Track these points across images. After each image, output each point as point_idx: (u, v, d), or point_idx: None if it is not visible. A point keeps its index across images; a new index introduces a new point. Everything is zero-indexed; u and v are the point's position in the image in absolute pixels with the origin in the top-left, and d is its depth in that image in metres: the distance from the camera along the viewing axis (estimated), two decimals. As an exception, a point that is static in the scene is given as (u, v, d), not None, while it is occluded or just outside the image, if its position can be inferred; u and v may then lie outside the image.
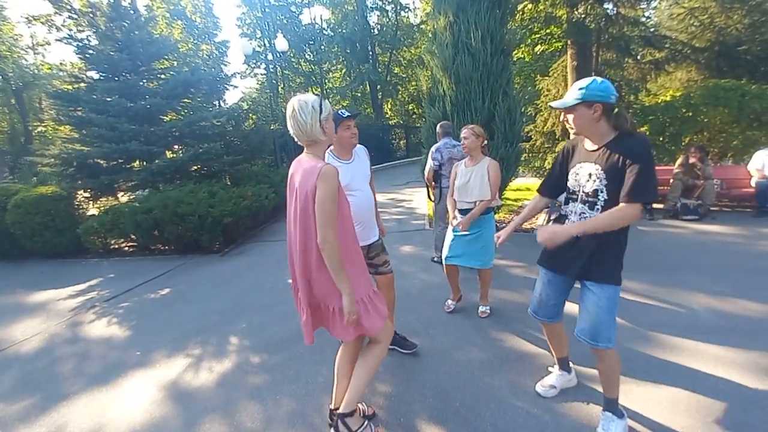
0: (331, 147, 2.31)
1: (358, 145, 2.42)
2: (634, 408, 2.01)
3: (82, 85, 7.59)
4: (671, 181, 5.88)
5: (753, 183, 5.68)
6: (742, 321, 2.81)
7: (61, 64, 14.67)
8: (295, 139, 1.68)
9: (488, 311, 3.21)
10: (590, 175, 1.74)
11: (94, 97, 7.01)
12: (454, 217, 3.07)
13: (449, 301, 3.37)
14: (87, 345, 3.30)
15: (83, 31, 8.36)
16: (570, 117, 1.74)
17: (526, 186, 8.86)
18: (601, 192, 1.70)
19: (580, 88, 1.69)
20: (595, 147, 1.75)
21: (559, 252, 1.82)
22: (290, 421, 2.13)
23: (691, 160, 5.80)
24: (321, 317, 1.82)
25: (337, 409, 1.85)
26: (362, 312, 1.70)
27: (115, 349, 3.17)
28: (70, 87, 7.56)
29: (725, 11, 8.55)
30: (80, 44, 7.27)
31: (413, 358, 2.65)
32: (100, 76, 7.47)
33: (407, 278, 4.09)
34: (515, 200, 7.75)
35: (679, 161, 5.97)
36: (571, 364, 2.24)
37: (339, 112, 2.20)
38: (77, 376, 2.81)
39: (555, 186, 1.99)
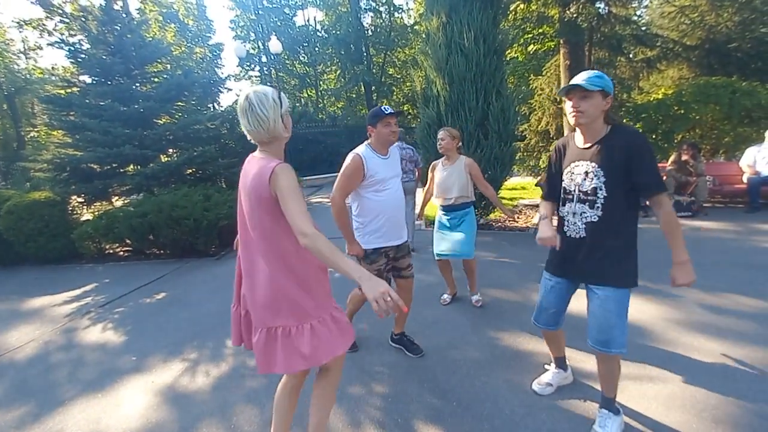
0: (370, 141, 2.35)
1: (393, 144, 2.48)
2: (630, 404, 2.02)
3: (75, 89, 7.54)
4: (664, 178, 5.93)
5: (745, 179, 5.74)
6: (735, 316, 2.84)
7: (53, 68, 14.58)
8: (249, 137, 1.51)
9: (481, 299, 3.36)
10: (587, 173, 1.70)
11: (87, 101, 6.97)
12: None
13: (445, 295, 3.51)
14: (82, 351, 3.28)
15: (75, 35, 8.31)
16: (583, 103, 1.64)
17: (521, 185, 8.90)
18: (600, 189, 1.67)
19: (598, 77, 1.62)
20: (588, 144, 1.72)
21: (570, 254, 1.80)
22: (287, 424, 2.12)
23: (684, 157, 5.85)
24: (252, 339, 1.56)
25: None
26: (325, 333, 1.50)
27: (111, 355, 3.15)
28: (62, 91, 7.51)
29: (715, 9, 8.63)
30: (72, 48, 7.22)
31: (410, 358, 2.65)
32: (93, 80, 7.42)
33: (404, 279, 4.11)
34: (510, 199, 7.78)
35: (671, 158, 6.03)
36: (567, 362, 2.25)
37: (382, 108, 2.28)
38: (72, 382, 2.79)
39: (557, 188, 1.88)
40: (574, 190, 1.76)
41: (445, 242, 3.20)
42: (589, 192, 1.70)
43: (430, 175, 3.37)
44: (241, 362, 2.81)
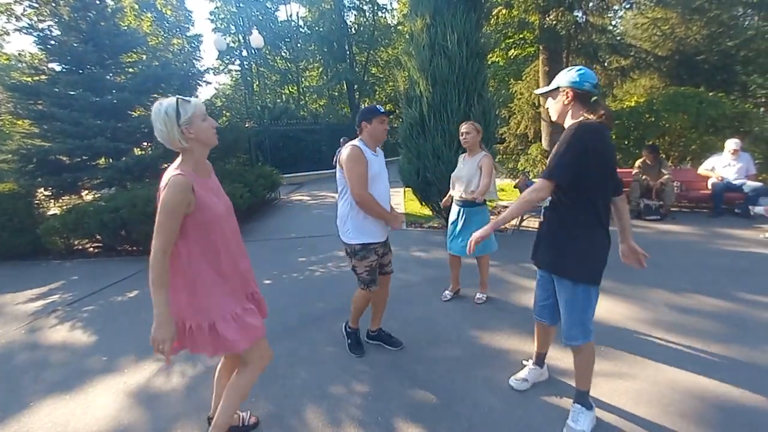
0: (362, 137, 2.37)
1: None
2: (601, 399, 2.10)
3: (43, 77, 7.17)
4: (631, 182, 6.18)
5: (709, 185, 6.04)
6: (699, 315, 2.99)
7: (19, 54, 13.81)
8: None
9: (484, 298, 3.40)
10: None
11: (57, 90, 6.65)
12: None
13: (447, 292, 3.53)
14: (48, 351, 3.14)
15: (45, 20, 7.90)
16: (547, 102, 1.83)
17: (500, 187, 9.05)
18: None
19: (560, 76, 1.77)
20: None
21: (538, 243, 1.93)
22: (266, 424, 2.10)
23: (642, 159, 6.17)
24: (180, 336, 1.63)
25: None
26: (227, 328, 1.57)
27: (79, 355, 3.02)
28: (29, 79, 7.12)
29: (685, 22, 9.04)
30: (41, 34, 6.89)
31: (390, 357, 2.67)
32: (63, 68, 7.09)
33: (384, 278, 4.12)
34: (490, 200, 7.90)
35: (636, 164, 6.30)
36: (545, 360, 2.31)
37: (377, 106, 2.38)
38: (38, 383, 2.67)
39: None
40: None
41: (454, 240, 3.25)
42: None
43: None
44: (218, 361, 2.75)
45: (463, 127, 3.16)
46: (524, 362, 2.39)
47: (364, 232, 2.38)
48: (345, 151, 2.30)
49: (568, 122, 1.76)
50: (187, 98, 1.51)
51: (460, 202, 3.23)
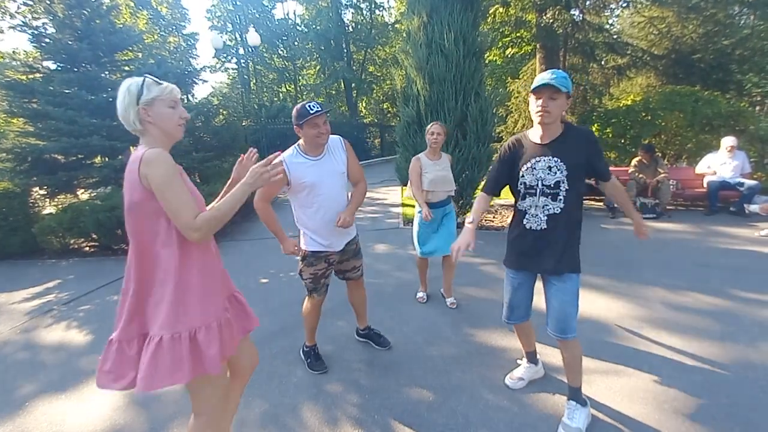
0: (300, 142, 2.17)
1: (334, 137, 2.23)
2: (596, 396, 2.11)
3: (38, 75, 7.12)
4: (627, 181, 6.21)
5: (705, 183, 6.07)
6: (694, 313, 3.01)
7: (14, 52, 13.71)
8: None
9: (456, 302, 3.36)
10: (550, 168, 1.78)
11: (51, 88, 6.60)
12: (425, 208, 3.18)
13: (421, 294, 3.49)
14: (44, 351, 3.12)
15: (39, 18, 7.84)
16: (551, 103, 1.68)
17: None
18: (563, 183, 1.78)
19: (566, 77, 1.70)
20: (548, 140, 1.80)
21: (532, 249, 1.88)
22: (262, 423, 2.10)
23: (638, 158, 6.19)
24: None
25: None
26: (206, 341, 1.34)
27: (75, 355, 3.01)
28: (23, 77, 7.07)
29: (681, 21, 9.07)
30: (35, 32, 6.83)
31: (387, 355, 2.67)
32: (58, 66, 7.03)
33: (381, 276, 4.12)
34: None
35: (633, 162, 6.32)
36: (538, 356, 2.32)
37: (307, 105, 2.02)
38: (34, 383, 2.66)
39: (501, 184, 1.99)
40: (537, 185, 1.83)
41: (433, 241, 3.18)
42: (552, 185, 1.80)
43: (417, 171, 3.13)
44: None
45: (436, 128, 3.07)
46: (518, 361, 2.40)
47: (313, 239, 2.26)
48: None
49: (556, 124, 1.78)
50: (160, 81, 1.37)
51: (437, 203, 3.14)
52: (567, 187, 1.77)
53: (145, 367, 1.29)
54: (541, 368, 2.33)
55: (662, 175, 5.92)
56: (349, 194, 2.35)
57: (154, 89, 1.35)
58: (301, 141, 2.17)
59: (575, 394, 1.94)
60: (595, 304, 3.22)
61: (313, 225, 2.25)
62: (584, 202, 6.30)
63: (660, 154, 6.81)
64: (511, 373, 2.31)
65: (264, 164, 1.31)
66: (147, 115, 1.34)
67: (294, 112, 2.08)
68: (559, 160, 1.77)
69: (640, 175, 6.11)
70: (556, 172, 1.78)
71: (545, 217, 1.82)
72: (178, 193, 1.27)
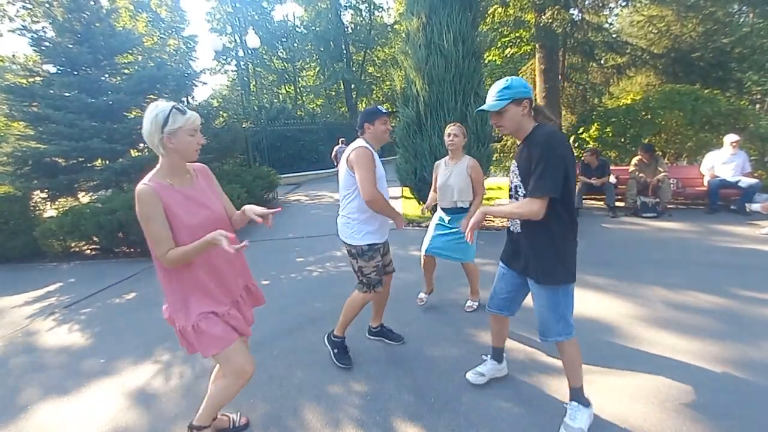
0: (365, 137, 2.37)
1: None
2: (599, 396, 2.10)
3: (38, 79, 7.14)
4: (628, 180, 6.21)
5: (705, 182, 6.07)
6: (695, 312, 3.01)
7: (13, 56, 13.74)
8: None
9: (474, 306, 3.29)
10: (514, 172, 1.83)
11: (51, 92, 6.62)
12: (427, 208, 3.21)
13: (422, 294, 3.44)
14: (46, 354, 3.13)
15: (38, 21, 7.86)
16: (500, 119, 1.73)
17: (497, 185, 9.07)
18: (520, 188, 1.78)
19: (506, 88, 1.69)
20: (519, 144, 1.83)
21: (511, 247, 1.97)
22: (264, 425, 2.10)
23: (639, 157, 6.19)
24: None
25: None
26: (194, 335, 1.60)
27: (77, 357, 3.01)
28: (24, 81, 7.09)
29: (681, 20, 9.06)
30: (35, 36, 6.84)
31: (389, 356, 2.67)
32: (58, 69, 7.06)
33: (382, 277, 4.12)
34: (488, 199, 7.92)
35: (633, 161, 6.32)
36: (504, 355, 2.33)
37: (378, 107, 2.38)
38: (36, 386, 2.66)
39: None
40: (511, 187, 1.90)
41: (440, 240, 3.08)
42: (513, 190, 1.86)
43: (434, 174, 3.13)
44: (216, 363, 2.75)
45: (452, 129, 2.95)
46: (483, 357, 2.40)
47: (370, 232, 2.38)
48: (356, 152, 2.25)
49: (523, 129, 1.75)
50: (184, 110, 1.51)
51: (451, 210, 3.04)
52: (524, 192, 1.75)
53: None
54: (505, 368, 2.34)
55: (662, 174, 5.92)
56: None
57: (179, 120, 1.50)
58: (367, 136, 2.38)
59: (576, 395, 1.94)
60: (596, 303, 3.22)
61: (373, 218, 2.38)
62: (584, 201, 6.41)
63: (660, 153, 6.81)
64: (474, 368, 2.32)
65: (227, 243, 1.42)
66: (170, 143, 1.51)
67: (365, 111, 2.40)
68: (516, 165, 1.81)
69: (641, 174, 6.10)
70: (514, 177, 1.82)
71: (518, 221, 1.86)
72: (152, 230, 1.49)
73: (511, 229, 1.95)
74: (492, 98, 1.72)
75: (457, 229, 3.02)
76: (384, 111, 2.36)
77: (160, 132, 1.48)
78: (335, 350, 2.62)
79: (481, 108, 1.77)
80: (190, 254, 1.50)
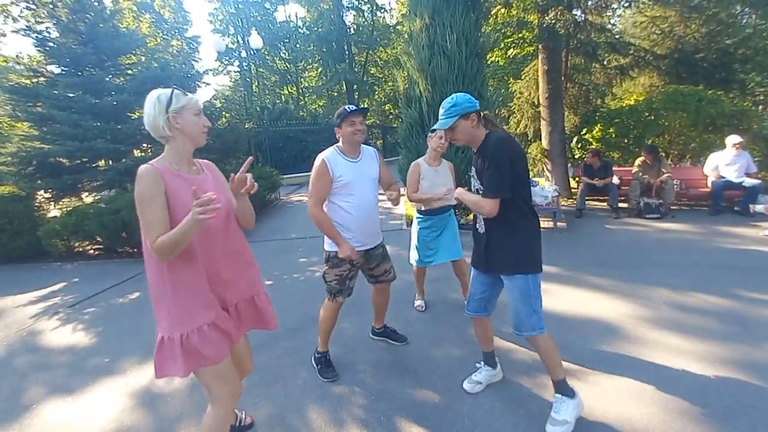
0: (338, 143, 2.29)
1: (369, 147, 2.41)
2: (602, 398, 2.10)
3: (42, 79, 7.19)
4: (631, 181, 6.19)
5: (709, 183, 6.05)
6: (699, 313, 3.00)
7: (18, 56, 13.81)
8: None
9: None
10: (473, 177, 1.98)
11: (56, 92, 6.67)
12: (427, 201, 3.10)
13: (420, 302, 3.41)
14: (50, 353, 3.14)
15: (42, 22, 7.91)
16: (453, 134, 1.90)
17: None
18: (480, 191, 1.91)
19: (453, 106, 1.85)
20: (475, 151, 1.96)
21: (476, 248, 2.05)
22: (269, 425, 2.11)
23: (642, 158, 6.17)
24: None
25: None
26: (199, 342, 1.44)
27: (81, 357, 3.03)
28: (28, 81, 7.14)
29: (684, 20, 9.02)
30: (39, 36, 6.89)
31: (391, 357, 2.68)
32: (62, 70, 7.11)
33: (385, 278, 4.12)
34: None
35: (636, 162, 6.30)
36: (496, 359, 2.32)
37: (345, 107, 2.22)
38: (40, 386, 2.68)
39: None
40: (473, 192, 2.01)
41: (435, 248, 3.11)
42: (476, 192, 1.96)
43: (414, 176, 3.08)
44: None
45: (441, 133, 2.89)
46: (477, 365, 2.38)
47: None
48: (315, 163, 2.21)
49: (475, 138, 1.91)
50: (185, 92, 1.47)
51: (434, 210, 3.06)
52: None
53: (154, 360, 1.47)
54: (500, 371, 2.33)
55: (666, 175, 5.90)
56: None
57: (182, 99, 1.45)
58: (339, 143, 2.29)
59: (559, 387, 1.95)
60: (599, 304, 3.21)
61: (345, 224, 2.29)
62: (587, 202, 6.40)
63: (663, 154, 6.79)
64: (470, 377, 2.31)
65: (198, 203, 1.25)
66: (176, 123, 1.44)
67: (335, 114, 2.29)
68: (474, 170, 1.96)
69: (644, 176, 6.08)
70: (475, 182, 1.96)
71: (482, 222, 1.97)
72: (147, 212, 1.36)
73: (477, 228, 2.03)
74: (442, 116, 1.88)
75: (443, 230, 3.12)
76: (350, 110, 2.19)
77: (165, 113, 1.41)
78: (318, 366, 2.54)
79: (433, 128, 2.02)
80: (179, 238, 1.31)
